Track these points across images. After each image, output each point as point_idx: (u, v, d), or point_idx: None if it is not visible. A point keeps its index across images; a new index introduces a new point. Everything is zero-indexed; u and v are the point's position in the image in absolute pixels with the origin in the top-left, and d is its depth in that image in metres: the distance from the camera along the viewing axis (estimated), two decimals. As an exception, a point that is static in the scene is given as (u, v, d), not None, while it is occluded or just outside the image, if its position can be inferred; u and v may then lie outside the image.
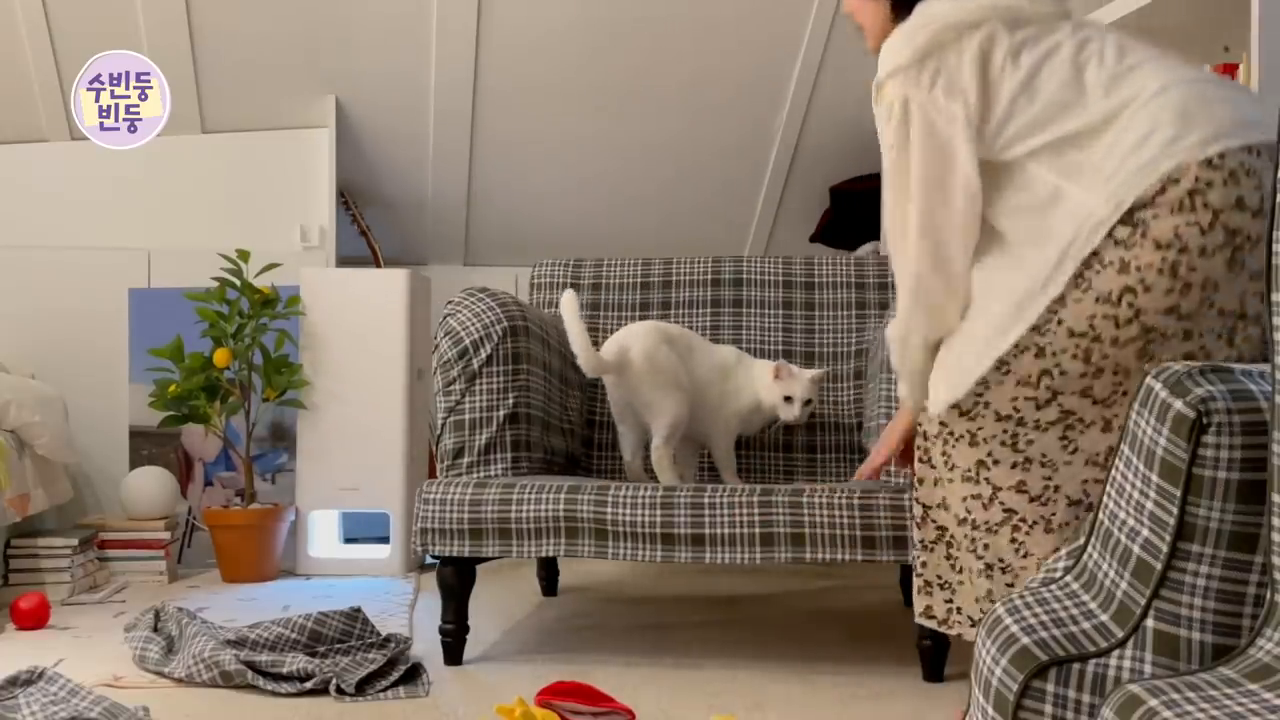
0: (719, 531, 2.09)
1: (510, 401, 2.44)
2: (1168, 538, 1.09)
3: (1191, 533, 1.08)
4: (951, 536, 1.72)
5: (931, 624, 1.77)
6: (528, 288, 3.04)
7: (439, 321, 2.51)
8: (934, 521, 1.74)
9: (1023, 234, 1.63)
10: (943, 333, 1.69)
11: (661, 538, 2.11)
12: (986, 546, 1.65)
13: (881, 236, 4.03)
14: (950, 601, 1.75)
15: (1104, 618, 1.15)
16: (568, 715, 1.78)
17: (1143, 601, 1.11)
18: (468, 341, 2.44)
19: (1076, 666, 1.12)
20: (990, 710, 1.16)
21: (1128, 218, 1.51)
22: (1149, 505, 1.12)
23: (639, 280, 2.96)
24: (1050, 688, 1.12)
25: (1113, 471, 1.20)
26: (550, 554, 2.17)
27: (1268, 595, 1.04)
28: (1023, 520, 1.62)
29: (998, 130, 1.61)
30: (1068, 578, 1.24)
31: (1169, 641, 1.09)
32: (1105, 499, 1.21)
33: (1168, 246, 1.49)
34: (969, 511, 1.66)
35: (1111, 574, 1.17)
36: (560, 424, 2.68)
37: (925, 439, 1.73)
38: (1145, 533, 1.12)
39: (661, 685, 2.08)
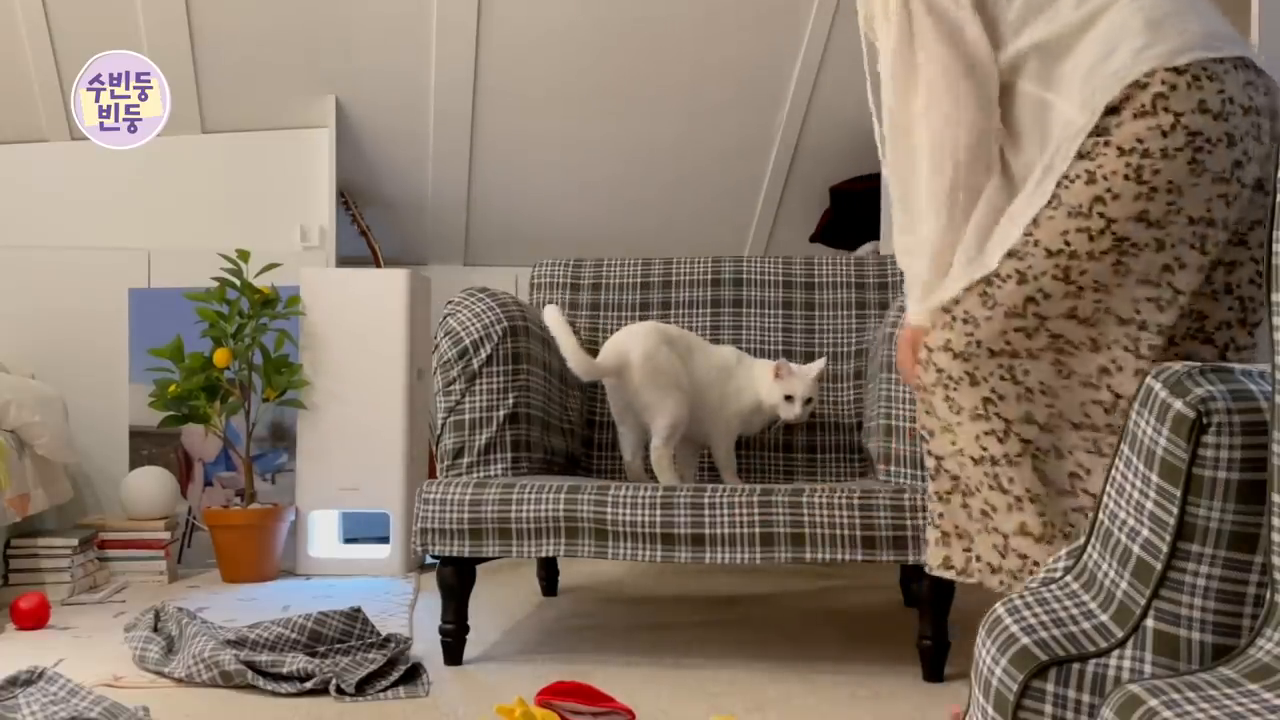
0: (719, 531, 2.09)
1: (510, 401, 2.44)
2: (1168, 538, 1.09)
3: (1191, 533, 1.08)
4: (965, 485, 1.72)
5: (949, 574, 1.75)
6: (528, 288, 3.04)
7: (439, 321, 2.51)
8: (948, 472, 1.74)
9: (1018, 155, 1.67)
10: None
11: (661, 538, 2.11)
12: (1012, 480, 1.65)
13: (881, 227, 4.04)
14: (969, 550, 1.74)
15: (1104, 618, 1.15)
16: (568, 715, 1.78)
17: (1143, 601, 1.11)
18: (468, 341, 2.44)
19: (1076, 666, 1.12)
20: (990, 710, 1.16)
21: (1096, 128, 1.57)
22: (1149, 505, 1.12)
23: (639, 280, 2.96)
24: (1050, 688, 1.12)
25: (1113, 471, 1.20)
26: (550, 554, 2.17)
27: (1268, 595, 1.04)
28: (1039, 449, 1.64)
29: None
30: (1068, 578, 1.24)
31: (1169, 641, 1.09)
32: (1105, 499, 1.21)
33: (1130, 151, 1.54)
34: (985, 449, 1.66)
35: (1111, 574, 1.17)
36: (560, 424, 2.68)
37: (925, 390, 1.74)
38: (1145, 533, 1.12)
39: (661, 685, 2.08)
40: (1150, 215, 1.56)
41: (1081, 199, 1.57)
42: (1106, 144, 1.56)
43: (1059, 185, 1.60)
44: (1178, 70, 1.54)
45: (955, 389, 1.68)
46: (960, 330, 1.67)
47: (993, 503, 1.68)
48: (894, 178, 1.76)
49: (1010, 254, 1.63)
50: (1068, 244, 1.58)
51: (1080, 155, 1.58)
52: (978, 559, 1.75)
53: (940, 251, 1.71)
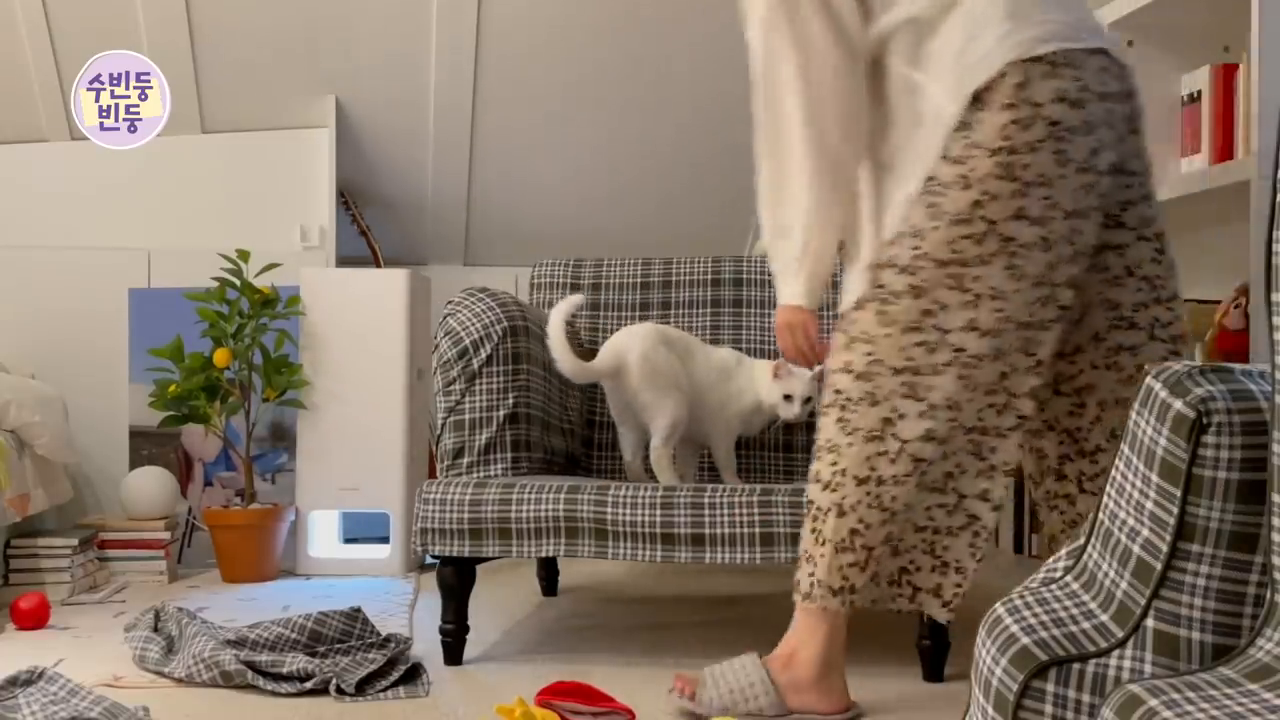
0: (719, 531, 2.09)
1: (510, 401, 2.44)
2: (1168, 538, 1.09)
3: (1191, 533, 1.08)
4: (840, 504, 1.73)
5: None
6: (528, 288, 3.04)
7: (439, 321, 2.50)
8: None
9: (887, 140, 1.70)
10: (848, 217, 1.74)
11: (661, 538, 2.11)
12: (894, 498, 1.67)
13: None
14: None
15: (1104, 618, 1.15)
16: (568, 715, 1.78)
17: (1143, 601, 1.11)
18: (468, 341, 2.44)
19: (1076, 666, 1.12)
20: (990, 710, 1.16)
21: (961, 123, 1.59)
22: (1149, 505, 1.12)
23: (639, 280, 2.96)
24: (1050, 688, 1.12)
25: (1113, 471, 1.20)
26: (550, 554, 2.17)
27: (1268, 595, 1.04)
28: (929, 464, 1.67)
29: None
30: (1068, 578, 1.24)
31: (1169, 641, 1.09)
32: (1105, 499, 1.21)
33: (999, 150, 1.56)
34: (874, 469, 1.67)
35: (1111, 574, 1.17)
36: (560, 424, 2.68)
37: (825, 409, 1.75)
38: (1145, 533, 1.12)
39: (661, 685, 2.07)
40: (1029, 212, 1.57)
41: (961, 205, 1.58)
42: (976, 146, 1.57)
43: (935, 194, 1.60)
44: (1037, 59, 1.56)
45: (854, 410, 1.67)
46: (860, 351, 1.66)
47: (867, 520, 1.69)
48: (764, 153, 1.76)
49: (901, 269, 1.63)
50: (956, 253, 1.59)
51: (948, 158, 1.59)
52: (817, 582, 1.75)
53: (810, 229, 1.71)
